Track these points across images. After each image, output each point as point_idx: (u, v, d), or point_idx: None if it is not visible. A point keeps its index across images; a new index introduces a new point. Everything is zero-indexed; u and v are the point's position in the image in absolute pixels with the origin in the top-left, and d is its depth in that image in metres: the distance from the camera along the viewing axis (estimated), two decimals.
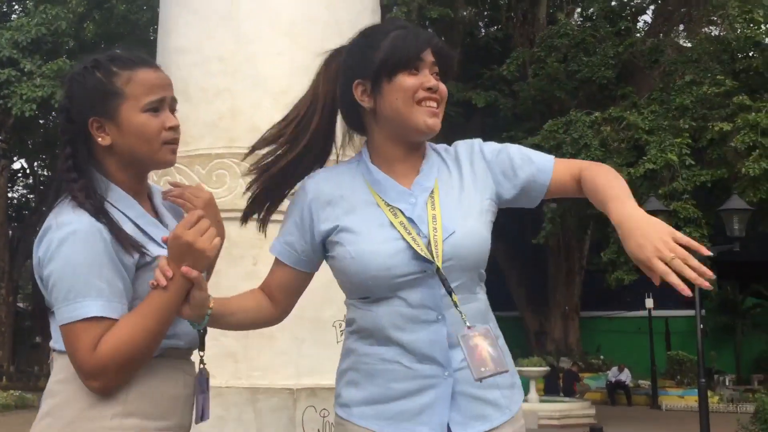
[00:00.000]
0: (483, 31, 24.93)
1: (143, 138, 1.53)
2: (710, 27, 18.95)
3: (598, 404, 18.50)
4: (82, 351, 1.42)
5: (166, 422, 1.53)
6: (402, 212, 1.54)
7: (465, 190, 1.60)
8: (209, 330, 2.21)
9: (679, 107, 15.33)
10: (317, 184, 1.63)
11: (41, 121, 25.38)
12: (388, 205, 1.56)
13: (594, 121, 15.83)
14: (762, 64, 15.55)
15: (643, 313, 22.20)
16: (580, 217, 18.73)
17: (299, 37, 2.72)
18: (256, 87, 2.68)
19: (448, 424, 1.50)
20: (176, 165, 2.67)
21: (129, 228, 1.50)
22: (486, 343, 1.46)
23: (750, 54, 16.77)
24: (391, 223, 1.53)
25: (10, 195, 31.44)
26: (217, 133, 2.67)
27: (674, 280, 1.35)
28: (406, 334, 1.50)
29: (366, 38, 1.64)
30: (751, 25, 15.97)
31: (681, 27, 20.59)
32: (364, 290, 1.55)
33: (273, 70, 2.70)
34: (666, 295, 22.69)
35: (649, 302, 21.16)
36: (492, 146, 1.69)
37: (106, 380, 1.43)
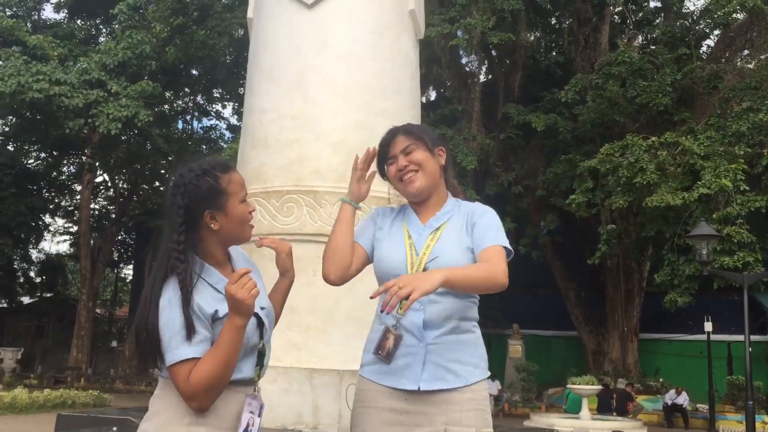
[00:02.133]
0: (544, 55, 25.30)
1: (241, 222, 2.15)
2: None
3: (654, 426, 18.53)
4: (181, 382, 1.97)
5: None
6: (412, 238, 2.31)
7: (462, 234, 2.35)
8: (278, 327, 3.03)
9: (736, 133, 15.47)
10: (380, 210, 2.51)
11: (123, 138, 26.55)
12: (408, 232, 2.32)
13: (651, 146, 16.07)
14: None
15: (704, 336, 22.10)
16: (637, 238, 18.92)
17: (353, 99, 3.50)
18: (318, 139, 3.48)
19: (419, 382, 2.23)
20: (257, 199, 3.47)
21: (209, 292, 2.05)
22: (392, 340, 2.21)
23: None
24: (404, 243, 2.31)
25: (92, 206, 33.04)
26: (288, 174, 3.46)
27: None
28: (395, 312, 2.25)
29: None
30: None
31: (745, 52, 20.56)
32: (381, 281, 2.33)
33: (332, 126, 3.49)
34: (728, 319, 22.53)
35: (708, 326, 21.05)
36: (488, 214, 2.39)
37: (199, 400, 1.98)
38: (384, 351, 2.22)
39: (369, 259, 2.43)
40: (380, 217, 2.47)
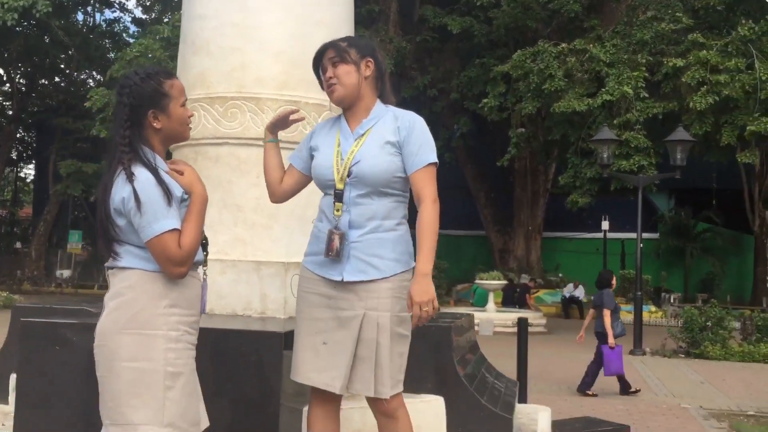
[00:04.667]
0: None
1: (181, 123, 2.37)
2: None
3: (552, 317, 19.97)
4: (173, 250, 2.19)
5: (192, 311, 2.32)
6: (341, 145, 2.62)
7: (387, 138, 2.60)
8: (226, 223, 3.30)
9: (639, 42, 16.15)
10: (319, 125, 2.81)
11: (19, 29, 25.04)
12: (339, 139, 2.64)
13: (560, 52, 16.58)
14: (719, 2, 16.29)
15: (601, 235, 23.66)
16: (545, 141, 19.73)
17: (291, 10, 3.67)
18: (260, 48, 3.64)
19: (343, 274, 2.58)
20: (201, 104, 3.63)
21: (165, 177, 2.28)
22: (338, 240, 2.52)
23: None
24: (333, 150, 2.62)
25: None
26: (231, 81, 3.63)
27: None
28: (331, 216, 2.57)
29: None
30: None
31: None
32: (318, 186, 2.68)
33: (273, 36, 3.66)
34: (622, 218, 24.12)
35: (605, 224, 22.57)
36: (415, 128, 2.64)
37: (186, 266, 2.23)
38: (333, 251, 2.52)
39: (304, 176, 2.73)
40: (317, 132, 2.75)
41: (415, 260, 2.58)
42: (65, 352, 2.81)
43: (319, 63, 2.66)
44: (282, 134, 2.81)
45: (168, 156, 2.49)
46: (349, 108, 2.64)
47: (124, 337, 2.20)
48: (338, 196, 2.54)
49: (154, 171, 2.24)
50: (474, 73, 20.60)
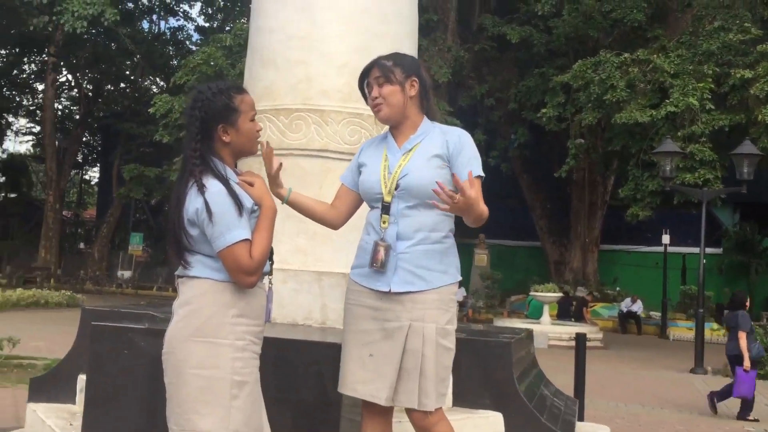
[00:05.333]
0: None
1: (249, 138, 2.42)
2: None
3: (609, 332, 19.59)
4: (244, 259, 2.24)
5: (258, 321, 2.36)
6: (388, 160, 2.65)
7: (435, 153, 2.63)
8: (288, 233, 3.33)
9: (705, 52, 15.75)
10: (367, 143, 2.84)
11: (87, 37, 25.84)
12: (386, 155, 2.67)
13: (623, 62, 16.30)
14: None
15: (661, 249, 23.07)
16: (604, 153, 19.41)
17: (355, 24, 3.71)
18: (324, 60, 3.69)
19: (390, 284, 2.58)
20: (267, 115, 3.70)
21: (236, 188, 2.32)
22: (383, 251, 2.53)
23: None
24: (380, 165, 2.65)
25: (56, 106, 32.36)
26: (296, 93, 3.69)
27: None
28: (378, 228, 2.60)
29: None
30: None
31: None
32: (366, 200, 2.70)
33: (337, 48, 3.70)
34: (683, 232, 23.50)
35: (666, 238, 21.99)
36: (465, 143, 2.67)
37: (257, 275, 2.28)
38: (378, 263, 2.55)
39: (356, 193, 2.75)
40: (364, 149, 2.80)
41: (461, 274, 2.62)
42: (133, 356, 2.88)
43: (364, 80, 2.71)
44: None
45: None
46: (395, 126, 2.70)
47: (192, 345, 2.25)
48: (385, 209, 2.59)
49: (225, 182, 2.29)
50: (532, 82, 20.41)
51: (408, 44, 3.76)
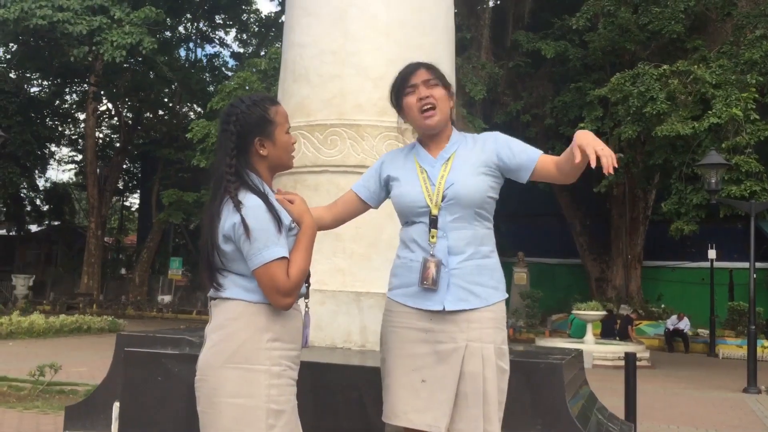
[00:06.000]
0: None
1: (286, 150, 2.33)
2: None
3: (655, 350, 19.04)
4: (281, 279, 2.12)
5: (294, 345, 2.24)
6: (425, 171, 2.49)
7: (474, 159, 2.51)
8: (325, 252, 3.20)
9: (748, 61, 15.35)
10: (389, 155, 2.69)
11: (127, 66, 26.32)
12: (420, 166, 2.52)
13: (662, 74, 15.98)
14: None
15: (707, 264, 22.44)
16: (645, 167, 19.01)
17: (392, 35, 3.59)
18: (359, 74, 3.59)
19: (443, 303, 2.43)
20: (301, 132, 3.60)
21: (275, 203, 2.22)
22: (434, 268, 2.38)
23: None
24: (418, 177, 2.50)
25: (97, 135, 32.99)
26: (331, 108, 3.59)
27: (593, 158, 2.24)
28: (426, 245, 2.44)
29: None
30: None
31: None
32: (403, 216, 2.54)
33: (372, 61, 3.60)
34: (729, 246, 22.85)
35: (712, 253, 21.38)
36: (503, 138, 2.58)
37: (294, 296, 2.16)
38: (429, 280, 2.39)
39: (364, 205, 2.64)
40: (387, 162, 2.64)
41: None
42: (168, 382, 2.78)
43: (404, 84, 2.54)
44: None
45: None
46: (432, 135, 2.55)
47: (226, 371, 2.13)
48: (433, 222, 2.45)
49: (264, 197, 2.18)
50: (569, 97, 20.17)
51: (445, 55, 3.65)
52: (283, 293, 2.14)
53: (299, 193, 3.46)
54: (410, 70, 2.54)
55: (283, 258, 2.14)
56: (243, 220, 2.12)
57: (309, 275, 2.33)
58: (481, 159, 2.49)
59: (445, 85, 2.53)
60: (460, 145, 2.55)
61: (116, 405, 3.28)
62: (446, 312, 2.40)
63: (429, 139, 2.56)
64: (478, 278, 2.43)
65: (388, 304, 2.56)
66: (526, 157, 2.51)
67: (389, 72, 3.56)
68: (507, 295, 2.53)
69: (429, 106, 2.49)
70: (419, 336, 2.43)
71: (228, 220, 2.16)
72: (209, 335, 2.21)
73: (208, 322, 2.25)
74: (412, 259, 2.48)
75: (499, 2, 24.12)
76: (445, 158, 2.52)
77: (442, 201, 2.44)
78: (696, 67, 15.61)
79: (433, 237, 2.43)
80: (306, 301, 2.35)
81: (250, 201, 2.16)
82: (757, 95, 15.02)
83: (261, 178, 2.27)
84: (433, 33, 3.67)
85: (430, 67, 2.54)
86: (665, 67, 16.09)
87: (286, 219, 2.21)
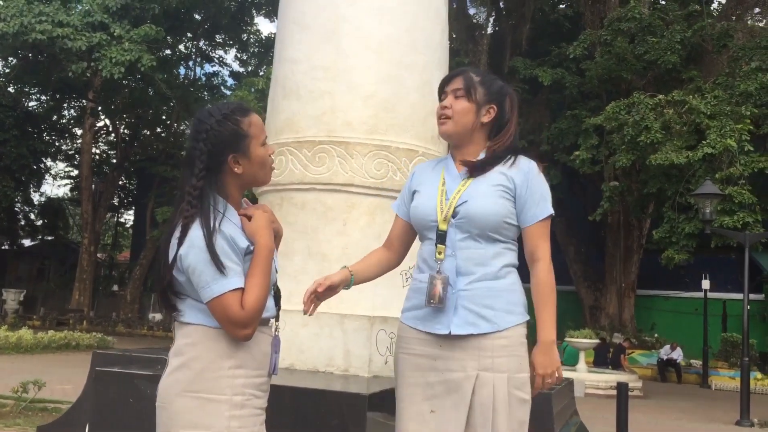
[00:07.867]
0: (553, 8, 24.99)
1: (262, 165, 2.12)
2: None
3: (648, 380, 18.89)
4: (234, 310, 1.95)
5: (261, 371, 2.06)
6: (446, 184, 2.40)
7: (496, 180, 2.38)
8: (311, 273, 3.11)
9: (743, 93, 15.40)
10: (420, 167, 2.57)
11: (125, 82, 26.33)
12: (443, 179, 2.41)
13: (657, 104, 16.02)
14: None
15: (701, 294, 22.34)
16: (639, 195, 19.00)
17: (384, 53, 3.54)
18: (350, 91, 3.53)
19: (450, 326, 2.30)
20: (289, 148, 3.53)
21: (231, 228, 2.03)
22: (440, 285, 2.26)
23: None
24: (437, 190, 2.39)
25: (93, 151, 32.92)
26: (320, 125, 3.52)
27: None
28: (433, 263, 2.33)
29: None
30: None
31: (756, 11, 20.35)
32: (418, 231, 2.43)
33: (364, 79, 3.54)
34: (723, 277, 22.79)
35: (706, 283, 21.30)
36: (534, 175, 2.41)
37: (252, 327, 1.99)
38: (435, 298, 2.26)
39: (404, 222, 2.52)
40: (418, 173, 2.53)
41: (528, 313, 2.34)
42: (140, 404, 2.67)
43: (440, 90, 2.48)
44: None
45: (254, 201, 2.31)
46: (457, 147, 2.45)
47: (184, 400, 1.98)
48: (440, 238, 2.31)
49: (210, 231, 2.00)
50: (565, 124, 20.21)
51: (439, 74, 3.58)
52: (239, 325, 1.98)
53: (285, 211, 3.38)
54: (449, 77, 2.47)
55: (237, 289, 1.98)
56: (181, 258, 2.00)
57: (279, 296, 2.20)
58: (505, 184, 2.35)
59: (476, 101, 2.39)
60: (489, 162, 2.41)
61: (87, 427, 3.16)
62: (454, 337, 2.26)
63: (455, 149, 2.46)
64: (489, 301, 2.27)
65: (400, 328, 2.43)
66: (529, 213, 2.37)
67: (380, 90, 3.52)
68: (527, 318, 2.35)
69: (443, 116, 2.41)
70: (428, 363, 2.30)
71: (173, 250, 2.03)
72: (170, 359, 2.07)
73: (172, 345, 2.11)
74: (422, 280, 2.35)
75: (497, 29, 24.27)
76: (466, 173, 2.40)
77: (452, 217, 2.31)
78: (691, 97, 15.66)
79: (440, 253, 2.30)
80: (276, 324, 2.18)
81: (192, 234, 2.00)
82: (751, 127, 15.05)
83: (228, 200, 2.10)
84: (427, 52, 3.61)
85: (465, 79, 2.42)
86: (660, 96, 16.14)
87: (243, 242, 2.04)
